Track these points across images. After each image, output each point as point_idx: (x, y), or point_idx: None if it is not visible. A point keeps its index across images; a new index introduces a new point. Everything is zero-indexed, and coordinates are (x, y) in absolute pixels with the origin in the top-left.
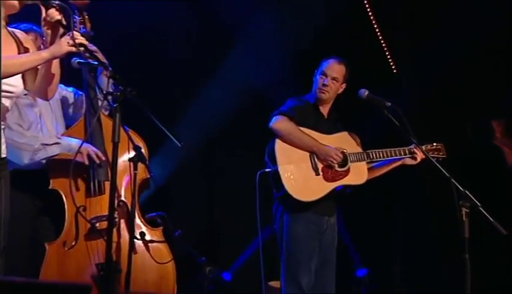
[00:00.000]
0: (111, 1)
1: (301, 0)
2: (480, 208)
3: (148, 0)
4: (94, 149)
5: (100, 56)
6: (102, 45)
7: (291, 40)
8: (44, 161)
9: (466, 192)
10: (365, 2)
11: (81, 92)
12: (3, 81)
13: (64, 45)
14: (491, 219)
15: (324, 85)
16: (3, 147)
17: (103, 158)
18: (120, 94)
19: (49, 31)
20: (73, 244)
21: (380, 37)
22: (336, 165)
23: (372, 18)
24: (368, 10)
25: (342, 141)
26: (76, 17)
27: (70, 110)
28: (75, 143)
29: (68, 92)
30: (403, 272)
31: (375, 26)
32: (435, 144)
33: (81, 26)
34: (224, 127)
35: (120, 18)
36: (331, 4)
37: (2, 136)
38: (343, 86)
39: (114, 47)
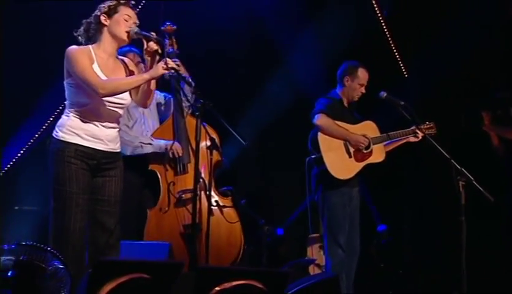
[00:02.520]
0: (193, 30)
1: (332, 19)
2: (473, 182)
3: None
4: (178, 146)
5: (186, 73)
6: (185, 59)
7: (326, 51)
8: None
9: (463, 169)
10: (382, 20)
11: (169, 96)
12: (118, 96)
13: (159, 68)
14: (481, 189)
15: (361, 93)
16: (119, 144)
17: (181, 153)
18: (200, 106)
19: (149, 58)
20: (167, 209)
21: (394, 48)
22: (363, 149)
23: (387, 32)
24: (384, 26)
25: (365, 129)
26: (167, 40)
27: (162, 109)
28: (163, 143)
29: (161, 97)
30: (413, 229)
31: (390, 39)
32: (427, 122)
33: (170, 46)
34: (274, 121)
35: (196, 38)
36: (357, 22)
37: (118, 136)
38: None
39: (195, 64)
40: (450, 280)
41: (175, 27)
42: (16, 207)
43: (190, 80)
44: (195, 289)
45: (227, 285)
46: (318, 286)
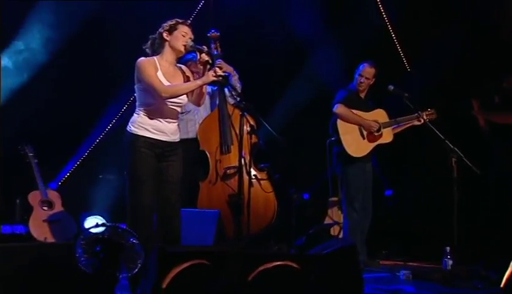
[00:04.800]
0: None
1: (351, 22)
2: (464, 158)
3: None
4: None
5: (229, 70)
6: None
7: (344, 49)
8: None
9: (455, 148)
10: (389, 24)
11: (214, 88)
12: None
13: (210, 76)
14: (470, 164)
15: (361, 83)
16: (179, 135)
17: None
18: (243, 106)
19: (201, 67)
20: (215, 182)
21: (399, 46)
22: (375, 132)
23: (393, 34)
24: (390, 28)
25: (376, 115)
26: (212, 45)
27: (211, 99)
28: None
29: (208, 89)
30: (414, 194)
31: (395, 39)
32: (429, 109)
33: (215, 50)
34: (301, 110)
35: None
36: (370, 26)
37: (178, 129)
38: (373, 80)
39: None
40: (444, 236)
41: (219, 34)
42: (101, 176)
43: (235, 82)
44: (241, 270)
45: (268, 265)
46: (336, 254)
